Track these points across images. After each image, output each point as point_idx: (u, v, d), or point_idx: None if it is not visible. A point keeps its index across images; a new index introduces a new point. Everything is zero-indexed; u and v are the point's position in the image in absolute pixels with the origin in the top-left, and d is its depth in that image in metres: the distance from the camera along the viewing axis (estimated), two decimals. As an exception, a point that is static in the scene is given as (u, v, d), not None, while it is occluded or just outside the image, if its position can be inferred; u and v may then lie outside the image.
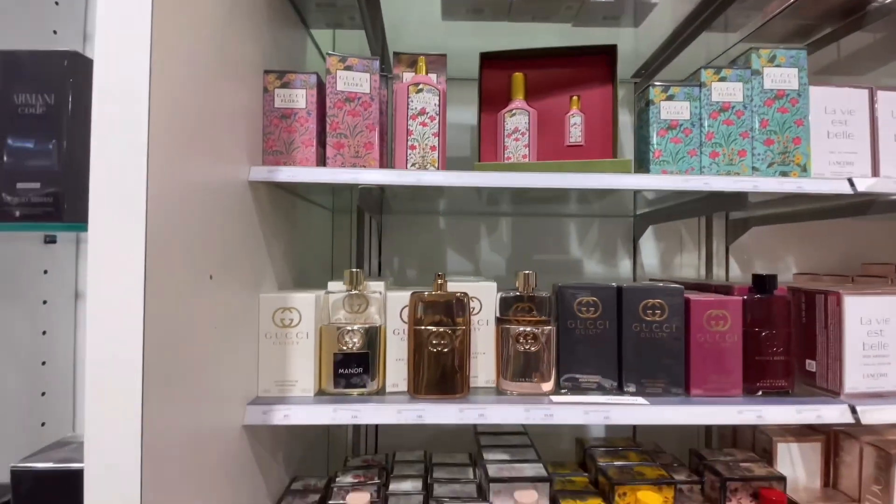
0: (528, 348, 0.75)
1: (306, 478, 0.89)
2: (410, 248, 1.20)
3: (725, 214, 1.23)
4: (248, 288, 0.69)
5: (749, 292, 0.80)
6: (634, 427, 1.20)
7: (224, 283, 0.61)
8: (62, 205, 0.52)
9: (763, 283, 0.79)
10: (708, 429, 1.18)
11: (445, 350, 0.73)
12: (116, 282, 0.44)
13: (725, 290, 0.84)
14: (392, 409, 0.69)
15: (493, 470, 0.81)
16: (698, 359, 0.75)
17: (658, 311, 0.75)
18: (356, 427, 1.17)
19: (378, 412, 0.68)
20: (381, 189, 0.80)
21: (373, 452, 1.14)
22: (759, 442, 0.96)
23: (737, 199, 0.78)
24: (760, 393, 0.77)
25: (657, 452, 0.96)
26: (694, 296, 0.77)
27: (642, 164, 0.80)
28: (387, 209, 1.13)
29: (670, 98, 0.78)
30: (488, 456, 0.86)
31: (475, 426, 1.00)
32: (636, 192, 1.17)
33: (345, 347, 0.74)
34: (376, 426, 1.18)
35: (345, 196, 1.06)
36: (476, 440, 0.94)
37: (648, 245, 1.23)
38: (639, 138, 0.82)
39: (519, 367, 0.75)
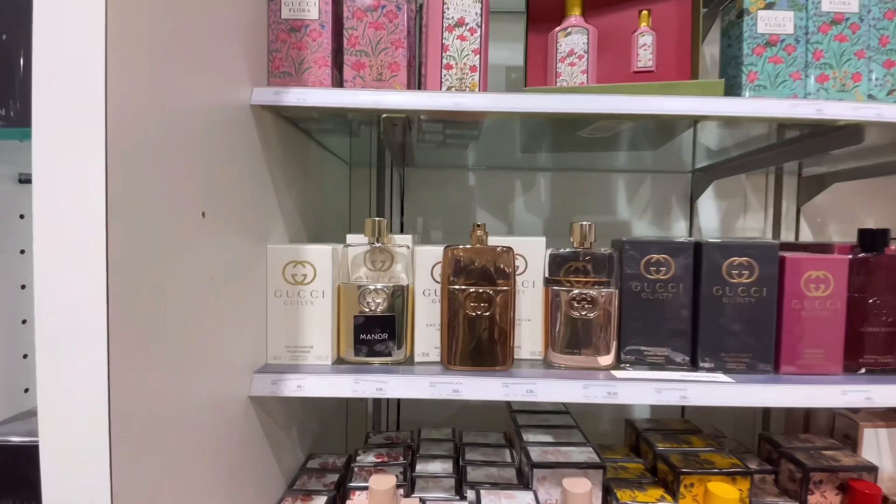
0: (585, 315, 0.62)
1: (324, 455, 0.81)
2: (436, 206, 1.07)
3: (798, 170, 1.07)
4: (254, 236, 0.58)
5: (852, 251, 0.66)
6: (683, 407, 1.08)
7: (221, 225, 0.50)
8: (9, 107, 0.41)
9: (872, 240, 0.65)
10: (766, 410, 1.05)
11: (486, 314, 0.61)
12: (69, 203, 0.32)
13: (821, 248, 0.70)
14: (423, 381, 0.58)
15: (535, 453, 0.70)
16: (792, 329, 0.62)
17: (745, 272, 0.62)
18: (377, 400, 1.08)
19: (407, 385, 0.57)
20: (408, 124, 0.67)
21: (394, 428, 1.05)
22: (839, 427, 0.83)
23: (847, 135, 0.63)
24: (863, 371, 0.64)
25: (718, 437, 0.85)
26: (791, 254, 0.63)
27: (731, 89, 0.65)
28: (410, 161, 1.00)
29: (770, 6, 0.63)
30: (528, 437, 0.76)
31: (509, 403, 0.89)
32: (695, 142, 1.03)
33: (367, 309, 0.63)
34: (398, 400, 1.09)
35: (364, 139, 0.93)
36: (511, 418, 0.84)
37: (707, 205, 1.08)
38: (726, 59, 0.67)
39: (572, 337, 0.63)
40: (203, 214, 0.46)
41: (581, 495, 0.62)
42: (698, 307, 0.63)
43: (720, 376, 0.60)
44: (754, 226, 1.08)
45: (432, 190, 1.07)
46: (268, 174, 0.61)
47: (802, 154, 0.79)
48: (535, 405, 0.89)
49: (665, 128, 0.72)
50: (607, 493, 0.68)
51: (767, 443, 0.80)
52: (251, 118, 0.57)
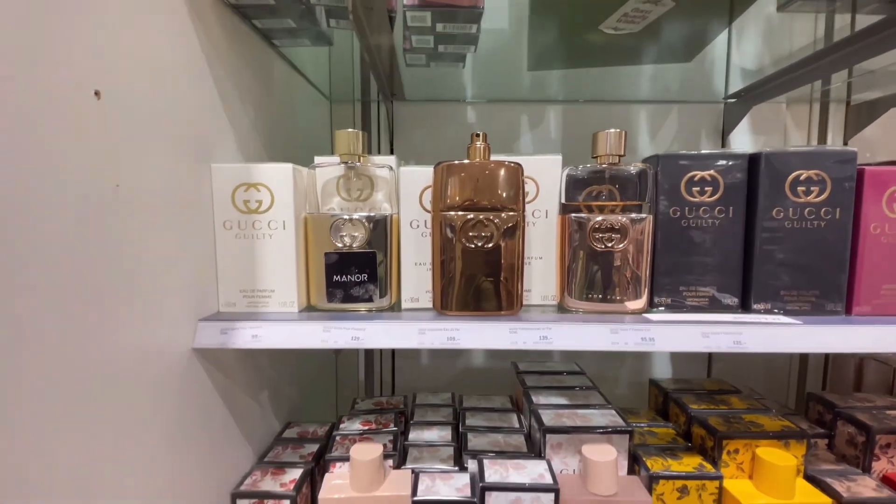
0: (611, 247, 0.50)
1: (303, 423, 0.70)
2: (430, 146, 0.94)
3: (847, 96, 0.93)
4: (190, 148, 0.45)
5: (942, 167, 0.53)
6: (709, 366, 0.97)
7: (134, 119, 0.37)
8: None
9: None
10: (804, 369, 0.94)
11: (489, 246, 0.49)
12: None
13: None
14: (411, 327, 0.46)
15: (548, 416, 0.59)
16: (870, 261, 0.50)
17: (815, 188, 0.49)
18: (368, 366, 0.98)
19: (390, 332, 0.46)
20: (390, 15, 0.53)
21: (389, 395, 0.95)
22: (900, 385, 0.72)
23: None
24: (953, 313, 0.52)
25: (759, 398, 0.74)
26: (871, 167, 0.50)
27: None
28: (398, 90, 0.87)
29: None
30: (539, 399, 0.65)
31: (516, 364, 0.78)
32: (729, 62, 0.89)
33: (341, 244, 0.51)
34: (393, 362, 0.98)
35: (345, 63, 0.80)
36: (519, 381, 0.73)
37: (741, 140, 0.94)
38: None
39: (595, 277, 0.51)
40: (96, 94, 0.33)
41: (604, 464, 0.52)
42: (753, 235, 0.51)
43: (781, 318, 0.48)
44: (795, 163, 0.95)
45: (425, 128, 0.94)
46: (207, 69, 0.48)
47: (861, 56, 0.65)
48: (547, 366, 0.78)
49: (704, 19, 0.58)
50: (634, 461, 0.57)
51: (818, 403, 0.68)
52: (179, -8, 0.43)
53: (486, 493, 0.51)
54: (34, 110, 0.28)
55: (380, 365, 0.99)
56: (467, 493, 0.52)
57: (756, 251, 0.50)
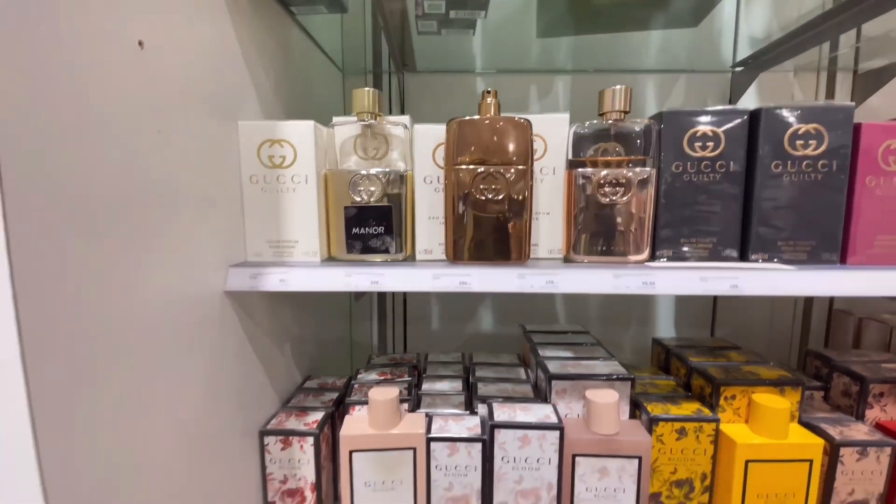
0: (615, 199, 0.53)
1: (323, 376, 0.75)
2: (440, 117, 0.96)
3: (854, 64, 0.93)
4: (219, 106, 0.49)
5: (941, 123, 0.54)
6: (713, 329, 1.00)
7: (171, 72, 0.40)
8: None
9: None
10: (805, 328, 0.97)
11: (499, 198, 0.52)
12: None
13: None
14: (425, 273, 0.49)
15: (554, 366, 0.63)
16: (865, 212, 0.52)
17: (812, 142, 0.51)
18: (382, 330, 1.02)
19: (406, 277, 0.49)
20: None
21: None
22: (897, 343, 0.74)
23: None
24: (946, 264, 0.54)
25: (756, 355, 0.76)
26: (867, 122, 0.52)
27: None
28: (409, 60, 0.89)
29: None
30: (546, 353, 0.68)
31: (524, 326, 0.82)
32: (737, 29, 0.89)
33: (359, 199, 0.54)
34: (405, 327, 1.02)
35: (357, 34, 0.82)
36: (527, 339, 0.76)
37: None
38: None
39: (599, 230, 0.54)
40: (140, 44, 0.36)
41: (607, 405, 0.55)
42: (754, 188, 0.53)
43: (777, 265, 0.51)
44: (801, 132, 0.96)
45: (436, 99, 0.96)
46: (233, 31, 0.51)
47: (868, 16, 0.66)
48: (554, 327, 0.81)
49: None
50: (636, 407, 0.61)
51: (816, 358, 0.71)
52: (207, -45, 0.46)
53: (496, 431, 0.55)
54: (85, 54, 0.31)
55: (392, 330, 1.03)
56: (478, 431, 0.56)
57: (755, 203, 0.53)
